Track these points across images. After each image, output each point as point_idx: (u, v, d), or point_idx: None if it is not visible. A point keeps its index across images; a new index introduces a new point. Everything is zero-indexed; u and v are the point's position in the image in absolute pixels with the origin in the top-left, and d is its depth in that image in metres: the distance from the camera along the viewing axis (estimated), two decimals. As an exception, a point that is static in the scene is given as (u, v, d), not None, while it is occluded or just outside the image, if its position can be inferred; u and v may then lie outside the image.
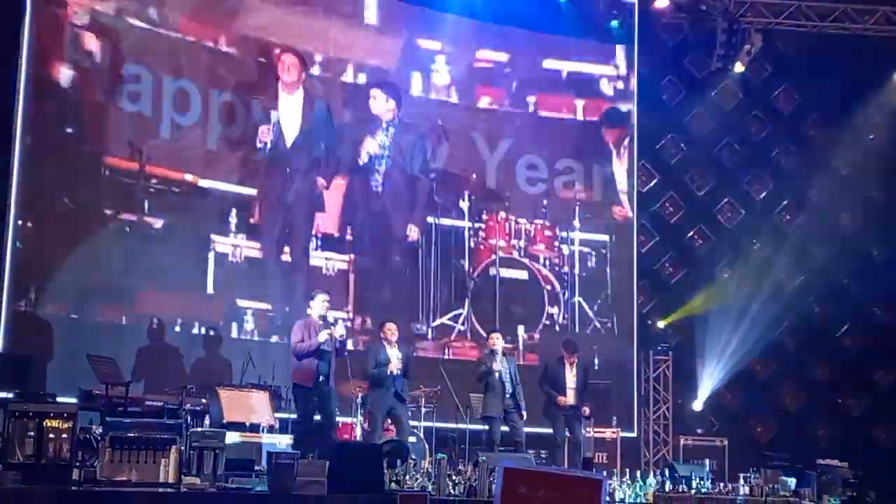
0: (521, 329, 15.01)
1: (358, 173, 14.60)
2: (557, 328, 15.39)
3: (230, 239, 13.44)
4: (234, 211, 13.50)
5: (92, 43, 12.81)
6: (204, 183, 13.29)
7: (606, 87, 16.48)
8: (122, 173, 12.70)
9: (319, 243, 14.12)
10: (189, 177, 13.16)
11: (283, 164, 14.05)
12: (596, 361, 15.04)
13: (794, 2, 16.69)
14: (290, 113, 14.07)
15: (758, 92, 17.55)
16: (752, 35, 16.63)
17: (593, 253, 15.88)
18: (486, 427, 12.31)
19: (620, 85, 16.48)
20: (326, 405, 11.26)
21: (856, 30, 16.83)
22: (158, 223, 12.84)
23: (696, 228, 17.32)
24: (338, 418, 12.49)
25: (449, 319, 14.78)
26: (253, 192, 13.79)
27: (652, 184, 17.25)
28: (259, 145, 13.80)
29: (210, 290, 13.28)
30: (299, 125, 14.11)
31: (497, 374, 12.13)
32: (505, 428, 12.17)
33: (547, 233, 15.61)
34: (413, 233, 14.70)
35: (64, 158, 12.39)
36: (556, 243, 15.61)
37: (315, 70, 14.46)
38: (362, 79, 14.69)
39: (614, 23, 16.55)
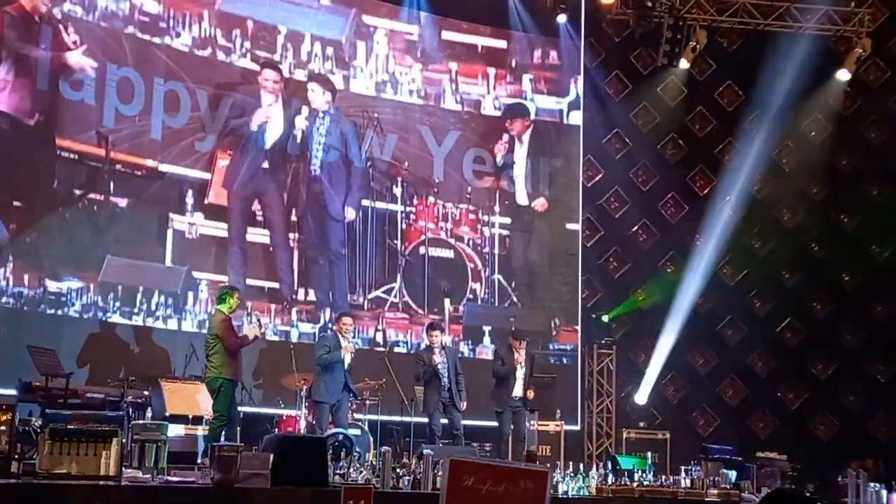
0: (447, 302, 15.91)
1: (297, 159, 15.36)
2: (479, 301, 16.26)
3: (186, 217, 14.26)
4: (190, 192, 14.29)
5: (35, 31, 13.01)
6: (163, 167, 14.11)
7: (512, 59, 16.93)
8: (91, 158, 13.48)
9: (260, 220, 15.00)
10: (150, 162, 14.01)
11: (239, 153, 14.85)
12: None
13: (738, -1, 16.90)
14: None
15: (702, 88, 17.68)
16: (697, 32, 16.77)
17: (512, 235, 16.58)
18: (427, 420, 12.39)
19: (525, 57, 16.92)
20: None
21: (798, 28, 17.02)
22: (123, 202, 13.70)
23: (641, 223, 17.45)
24: (282, 411, 12.49)
25: (382, 292, 15.70)
26: (207, 175, 14.48)
27: (597, 178, 17.35)
28: (253, 129, 14.79)
29: (168, 262, 14.09)
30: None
31: (436, 368, 12.22)
32: (444, 420, 12.25)
33: (471, 216, 16.46)
34: (350, 214, 15.53)
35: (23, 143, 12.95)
36: (479, 226, 16.48)
37: (279, 41, 15.23)
38: (318, 49, 15.50)
39: (561, 17, 16.63)
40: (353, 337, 12.62)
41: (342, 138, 15.52)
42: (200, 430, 11.01)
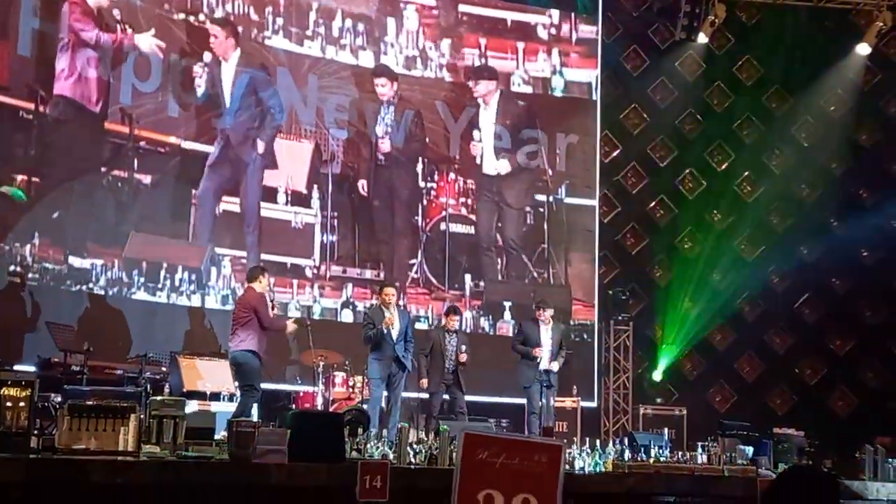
0: (467, 277, 15.99)
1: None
2: (500, 277, 16.27)
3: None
4: None
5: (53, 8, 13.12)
6: (185, 145, 14.20)
7: (542, 33, 16.87)
8: (115, 135, 13.57)
9: (289, 199, 14.98)
10: (172, 139, 14.08)
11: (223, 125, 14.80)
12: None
13: (757, -27, 16.76)
14: (227, 78, 14.80)
15: (720, 63, 17.58)
16: (716, 5, 16.62)
17: (531, 211, 16.49)
18: (427, 396, 12.52)
19: (554, 31, 16.86)
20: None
21: (818, 1, 16.87)
22: (146, 179, 13.80)
23: (658, 199, 17.38)
24: (299, 387, 12.54)
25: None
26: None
27: (614, 154, 17.28)
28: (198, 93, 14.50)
29: (192, 238, 14.25)
30: (231, 90, 14.80)
31: (444, 352, 12.30)
32: (446, 396, 12.38)
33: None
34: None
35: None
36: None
37: (311, 16, 15.35)
38: (349, 24, 15.63)
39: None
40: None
41: (405, 124, 15.82)
42: (217, 406, 11.04)
